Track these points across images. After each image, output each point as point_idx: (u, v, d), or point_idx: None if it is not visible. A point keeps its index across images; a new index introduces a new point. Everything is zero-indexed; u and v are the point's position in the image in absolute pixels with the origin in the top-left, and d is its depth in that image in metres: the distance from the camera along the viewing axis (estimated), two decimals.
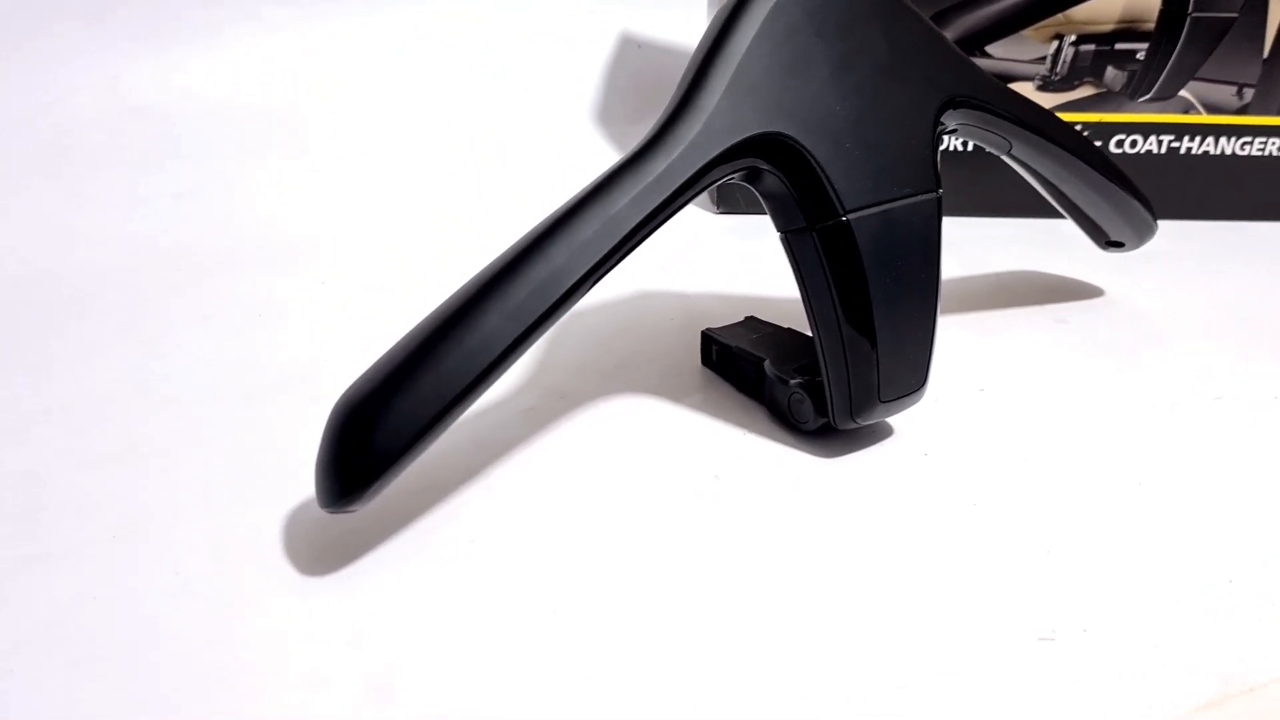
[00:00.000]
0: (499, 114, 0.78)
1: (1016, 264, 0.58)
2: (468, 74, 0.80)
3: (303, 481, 0.35)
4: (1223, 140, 0.63)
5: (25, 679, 0.29)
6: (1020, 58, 0.61)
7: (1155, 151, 0.63)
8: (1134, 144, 0.63)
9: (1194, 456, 0.40)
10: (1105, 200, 0.48)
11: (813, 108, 0.36)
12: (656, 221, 0.34)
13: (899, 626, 0.31)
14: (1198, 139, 0.63)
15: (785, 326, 0.45)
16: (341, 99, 0.76)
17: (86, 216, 0.63)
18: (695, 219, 0.65)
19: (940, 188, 0.38)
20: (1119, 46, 0.61)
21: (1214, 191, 0.64)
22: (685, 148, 0.34)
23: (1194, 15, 0.60)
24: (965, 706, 0.28)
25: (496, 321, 0.32)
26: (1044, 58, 0.61)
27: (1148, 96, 0.62)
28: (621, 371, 0.46)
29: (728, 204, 0.65)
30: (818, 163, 0.36)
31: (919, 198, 0.38)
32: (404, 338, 0.33)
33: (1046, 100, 0.62)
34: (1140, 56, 0.61)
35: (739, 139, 0.35)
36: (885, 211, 0.37)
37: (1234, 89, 0.62)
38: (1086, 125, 0.62)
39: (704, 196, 0.54)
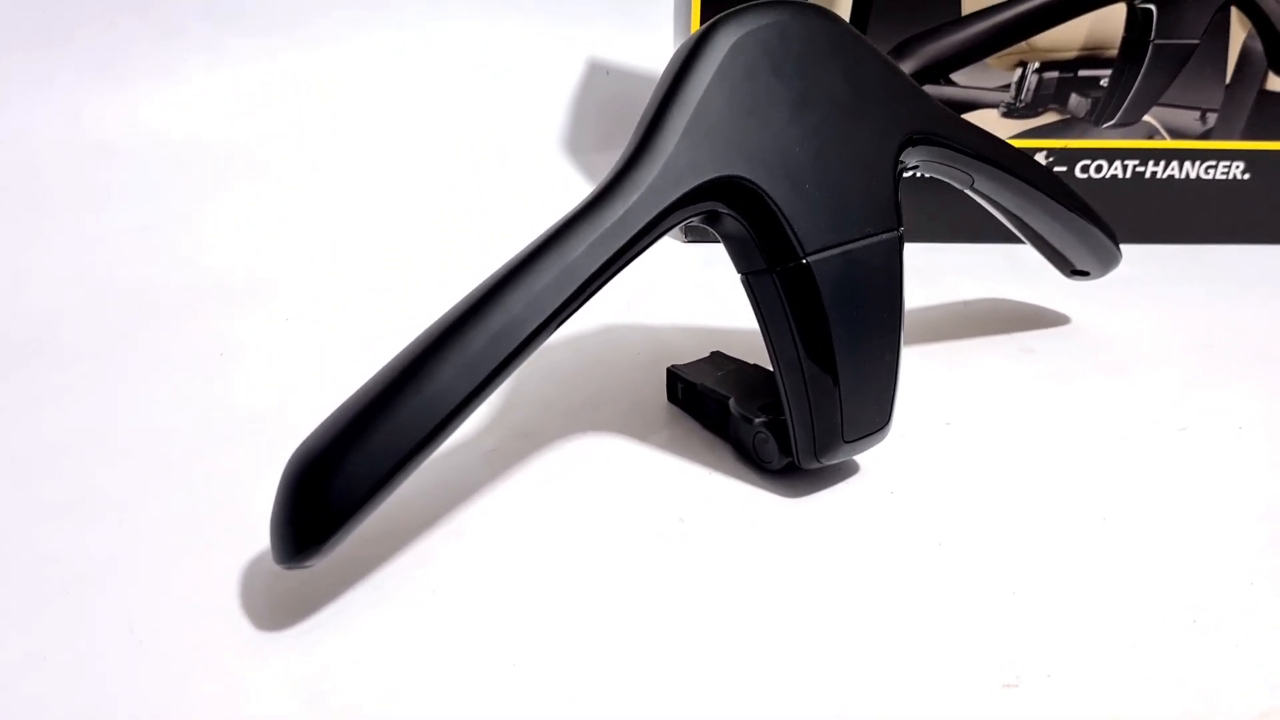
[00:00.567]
0: (466, 144, 0.78)
1: (983, 291, 0.58)
2: (432, 105, 0.79)
3: (261, 531, 0.34)
4: (1186, 164, 0.63)
5: None
6: (984, 85, 0.61)
7: (1120, 176, 0.64)
8: (1099, 169, 0.63)
9: (1158, 491, 0.40)
10: (1069, 231, 0.48)
11: (771, 149, 0.36)
12: (615, 268, 0.34)
13: (861, 674, 0.31)
14: (1162, 163, 0.63)
15: (751, 362, 0.45)
16: (304, 132, 0.76)
17: (43, 255, 0.62)
18: (663, 250, 0.64)
19: (901, 226, 0.38)
20: (1082, 73, 0.61)
21: (1178, 215, 0.65)
22: (643, 192, 0.34)
23: (1156, 42, 0.60)
24: None
25: (453, 372, 0.32)
26: (1008, 85, 0.61)
27: (1112, 122, 0.62)
28: (586, 409, 0.46)
29: (695, 235, 0.65)
30: (777, 205, 0.36)
31: (880, 237, 0.38)
32: (359, 390, 0.33)
33: (1011, 127, 0.62)
34: (1104, 83, 0.61)
35: (697, 183, 0.35)
36: (846, 252, 0.37)
37: (1197, 114, 0.62)
38: (1051, 151, 0.63)
39: None
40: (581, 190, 0.70)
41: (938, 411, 0.45)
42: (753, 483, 0.40)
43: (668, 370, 0.46)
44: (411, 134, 0.78)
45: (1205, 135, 0.63)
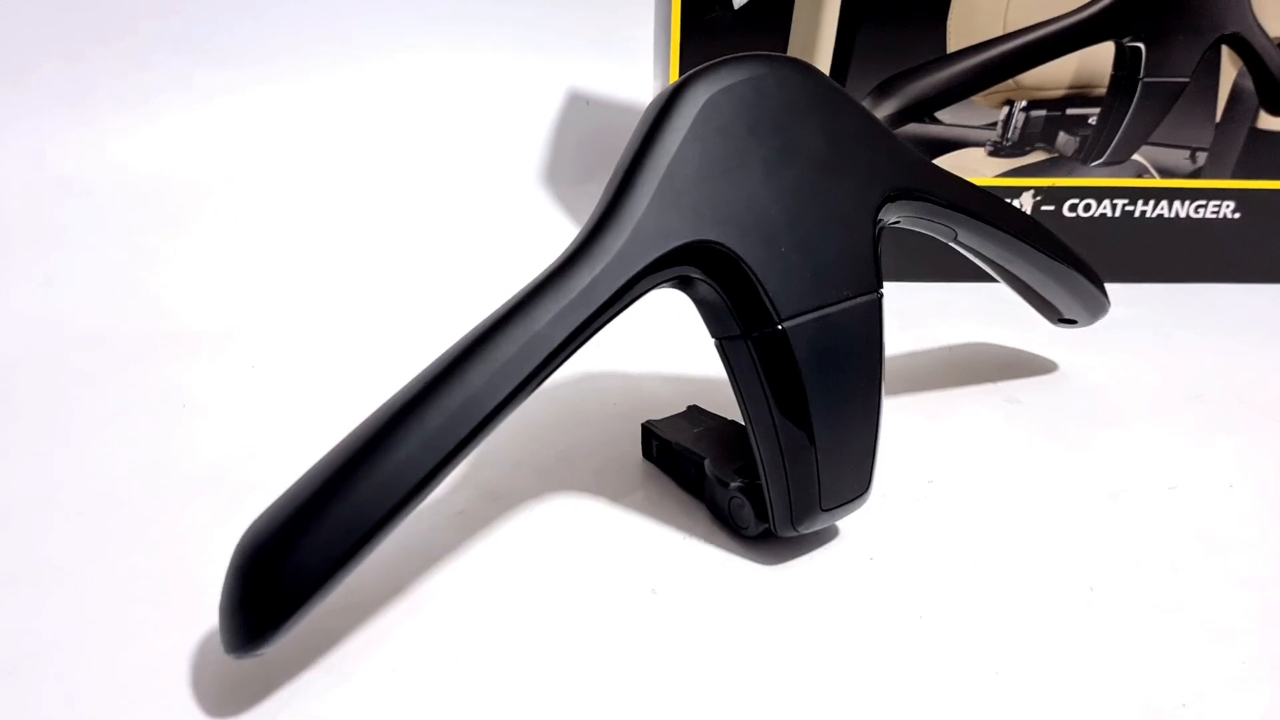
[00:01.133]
0: (443, 179, 0.76)
1: (968, 334, 0.57)
2: (407, 139, 0.78)
3: (215, 605, 0.33)
4: (1176, 204, 0.62)
5: None
6: (970, 123, 0.60)
7: (1109, 215, 0.62)
8: (1087, 208, 0.62)
9: (1146, 556, 0.39)
10: (1055, 281, 0.47)
11: (746, 211, 0.34)
12: (582, 338, 0.33)
13: None
14: (1151, 202, 0.62)
15: (729, 419, 0.43)
16: (275, 169, 0.74)
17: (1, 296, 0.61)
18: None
19: (881, 287, 0.37)
20: (1070, 111, 0.60)
21: (1169, 254, 0.64)
22: (611, 259, 0.33)
23: (1145, 80, 0.59)
24: None
25: (411, 451, 0.30)
26: (994, 123, 0.60)
27: (1100, 161, 0.61)
28: (559, 467, 0.44)
29: None
30: (751, 269, 0.34)
31: (859, 299, 0.36)
32: (314, 466, 0.31)
33: (998, 165, 0.61)
34: (1092, 122, 0.60)
35: (668, 248, 0.33)
36: (823, 317, 0.35)
37: (1187, 153, 0.61)
38: (1039, 190, 0.62)
39: None
40: (561, 224, 0.70)
41: (920, 469, 0.44)
42: (728, 548, 0.39)
43: (643, 426, 0.44)
44: (385, 169, 0.76)
45: (1195, 174, 0.62)
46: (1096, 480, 0.43)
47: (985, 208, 0.42)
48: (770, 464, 0.36)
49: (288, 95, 0.77)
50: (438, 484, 0.31)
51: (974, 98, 0.59)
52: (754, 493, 0.38)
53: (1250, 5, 0.57)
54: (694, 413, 0.45)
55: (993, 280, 0.49)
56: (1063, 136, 0.61)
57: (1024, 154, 0.61)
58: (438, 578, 0.37)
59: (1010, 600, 0.36)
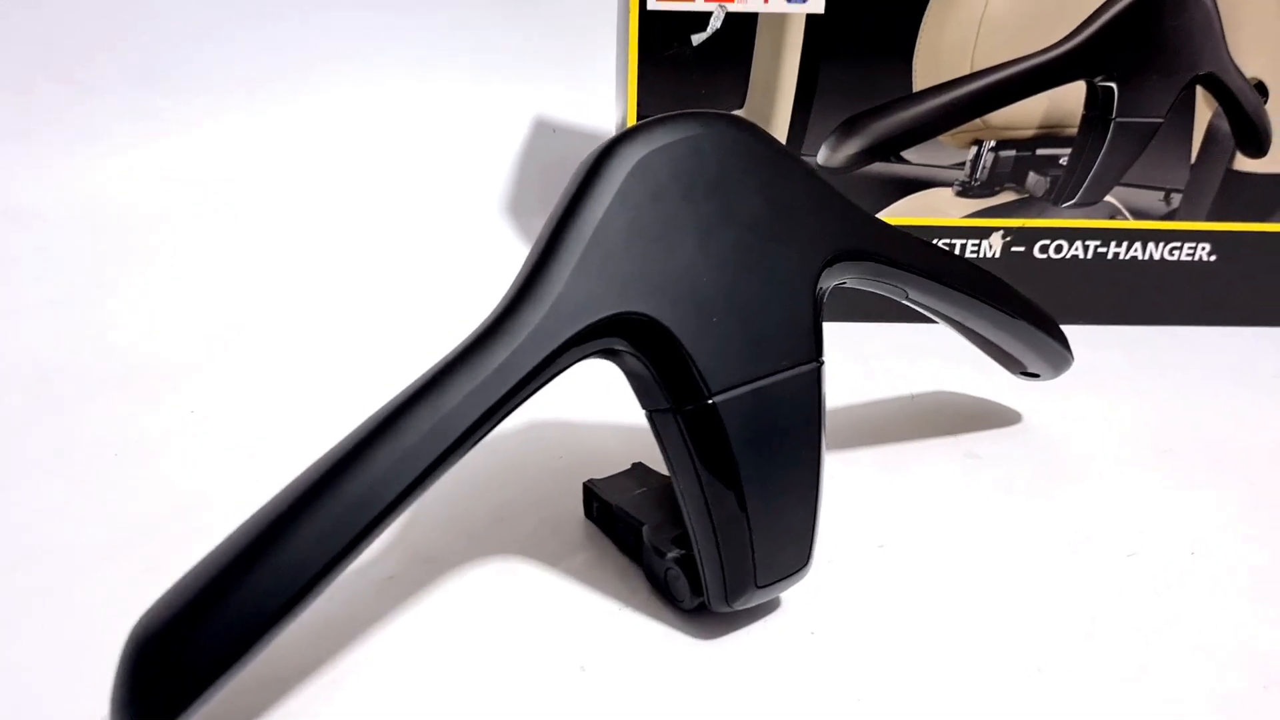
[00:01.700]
0: (403, 211, 0.74)
1: (935, 378, 0.56)
2: (370, 169, 0.76)
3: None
4: (1150, 245, 0.61)
5: None
6: (938, 163, 0.59)
7: (1081, 257, 0.61)
8: (1059, 249, 0.61)
9: (1098, 633, 0.37)
10: (1015, 338, 0.45)
11: (677, 280, 0.33)
12: (496, 418, 0.31)
13: None
14: (1125, 244, 0.61)
15: None
16: (229, 204, 0.73)
17: None
18: None
19: (822, 356, 0.36)
20: (1040, 152, 0.58)
21: (1143, 297, 0.62)
22: (529, 334, 0.31)
23: (1118, 120, 0.57)
24: None
25: (309, 541, 0.29)
26: (963, 163, 0.59)
27: (1072, 202, 0.60)
28: (497, 528, 0.43)
29: None
30: (681, 342, 0.33)
31: (796, 370, 0.35)
32: (215, 549, 0.30)
33: (966, 206, 0.59)
34: (1063, 162, 0.59)
35: (591, 321, 0.32)
36: (758, 390, 0.34)
37: (1161, 194, 0.60)
38: (1009, 230, 0.60)
39: None
40: (525, 255, 0.67)
41: (871, 531, 0.43)
42: (664, 620, 0.38)
43: (584, 485, 0.43)
44: (345, 200, 0.75)
45: (1170, 215, 0.60)
46: (1052, 546, 0.42)
47: (937, 266, 0.41)
48: (703, 539, 0.35)
49: (243, 127, 0.76)
50: (339, 574, 0.30)
51: (941, 137, 0.58)
52: (690, 565, 0.36)
53: (1225, 46, 0.56)
54: (639, 471, 0.43)
55: None
56: (1033, 177, 0.59)
57: (993, 194, 0.59)
58: (359, 651, 0.36)
59: (954, 681, 0.35)
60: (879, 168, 0.58)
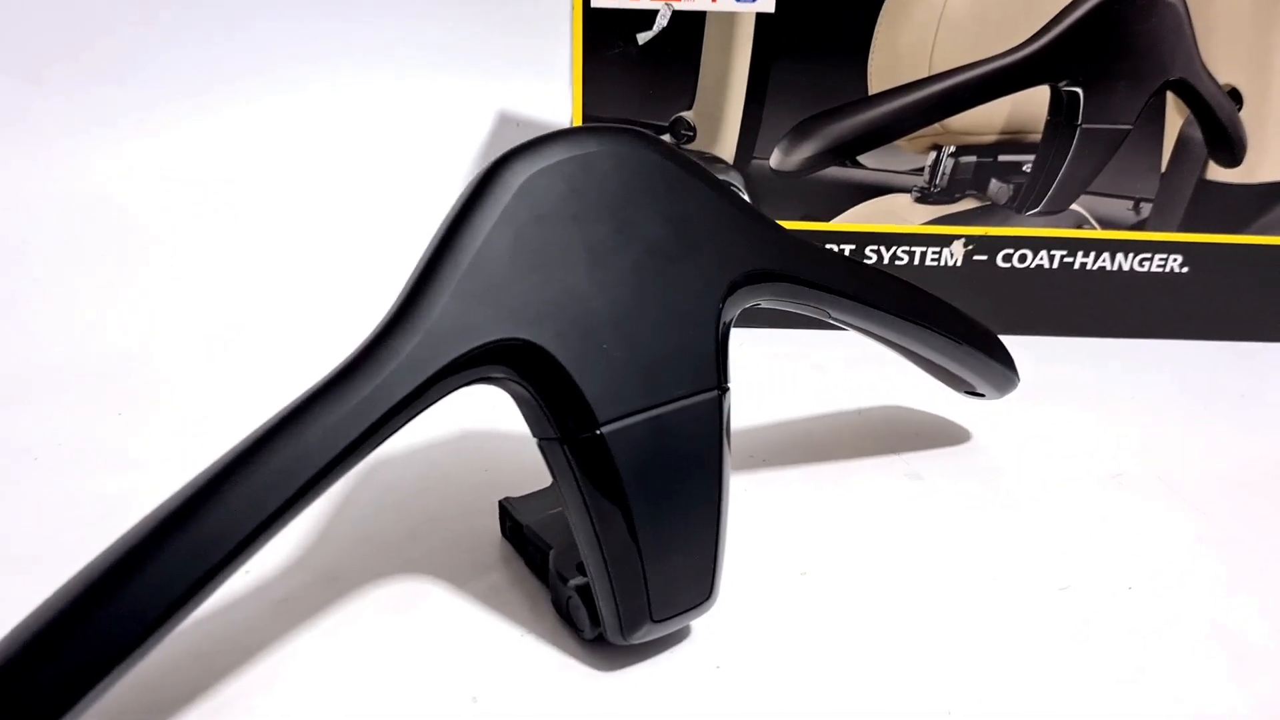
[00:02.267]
0: (367, 208, 0.73)
1: (884, 394, 0.54)
2: (333, 166, 0.75)
3: None
4: (1119, 256, 0.59)
5: None
6: (895, 168, 0.57)
7: (1046, 266, 0.59)
8: (1023, 259, 0.59)
9: (1019, 677, 0.35)
10: (953, 360, 0.43)
11: (564, 305, 0.31)
12: (359, 453, 0.30)
13: None
14: (1092, 254, 0.59)
15: None
16: (187, 201, 0.71)
17: None
18: None
19: (725, 383, 0.34)
20: (1003, 158, 0.56)
21: (1111, 309, 0.60)
22: (399, 364, 0.30)
23: (1084, 126, 0.55)
24: None
25: (152, 584, 0.27)
26: (921, 169, 0.57)
27: (1036, 210, 0.58)
28: (408, 545, 0.41)
29: None
30: (567, 369, 0.31)
31: (696, 398, 0.33)
32: (60, 589, 0.28)
33: (925, 212, 0.58)
34: (1026, 169, 0.57)
35: (467, 349, 0.30)
36: (652, 419, 0.32)
37: (1130, 203, 0.57)
38: (970, 239, 0.58)
39: None
40: None
41: (795, 557, 0.41)
42: (566, 649, 0.36)
43: (499, 504, 0.42)
44: (307, 197, 0.73)
45: (1140, 225, 0.58)
46: (981, 577, 0.40)
47: (862, 288, 0.39)
48: (595, 572, 0.33)
49: (203, 127, 0.75)
50: (186, 616, 0.28)
51: (899, 141, 0.56)
52: (590, 594, 0.35)
53: (1197, 51, 0.54)
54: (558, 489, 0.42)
55: None
56: (995, 184, 0.57)
57: (953, 201, 0.57)
58: (247, 678, 0.35)
59: None
60: (834, 172, 0.56)
